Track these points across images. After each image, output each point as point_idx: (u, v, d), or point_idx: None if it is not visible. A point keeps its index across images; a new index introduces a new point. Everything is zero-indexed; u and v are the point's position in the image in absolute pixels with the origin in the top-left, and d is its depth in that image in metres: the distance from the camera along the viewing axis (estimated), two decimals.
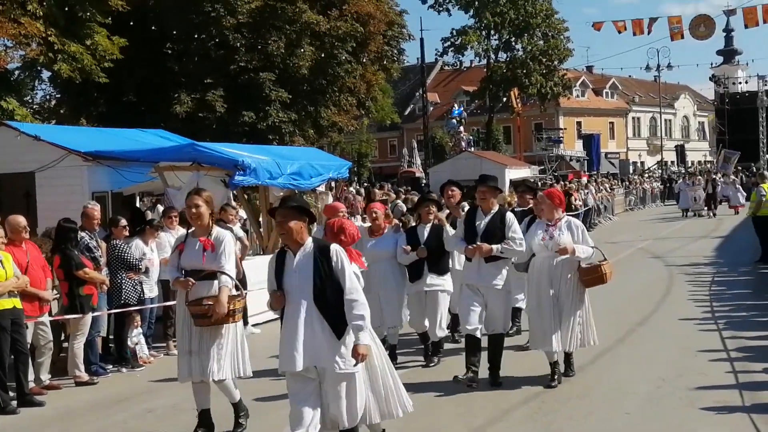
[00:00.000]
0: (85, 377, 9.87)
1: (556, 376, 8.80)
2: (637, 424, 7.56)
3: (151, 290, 11.26)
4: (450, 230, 9.77)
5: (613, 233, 28.27)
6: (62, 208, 11.59)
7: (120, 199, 14.58)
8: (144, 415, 8.51)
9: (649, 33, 43.36)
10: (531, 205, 10.71)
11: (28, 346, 9.18)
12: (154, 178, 13.80)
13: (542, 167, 46.05)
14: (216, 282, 7.30)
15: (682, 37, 43.55)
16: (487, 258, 8.75)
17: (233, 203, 13.79)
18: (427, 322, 9.93)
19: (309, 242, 6.14)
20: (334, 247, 6.15)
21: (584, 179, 39.65)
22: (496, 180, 9.29)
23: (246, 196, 17.42)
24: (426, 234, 9.81)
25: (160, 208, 16.39)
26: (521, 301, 10.67)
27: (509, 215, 9.00)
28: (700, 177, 39.95)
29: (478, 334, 8.81)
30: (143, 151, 14.13)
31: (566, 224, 8.87)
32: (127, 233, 11.08)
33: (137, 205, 16.57)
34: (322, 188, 16.44)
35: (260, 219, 16.06)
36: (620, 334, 11.30)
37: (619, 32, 43.32)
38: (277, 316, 6.40)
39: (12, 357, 8.83)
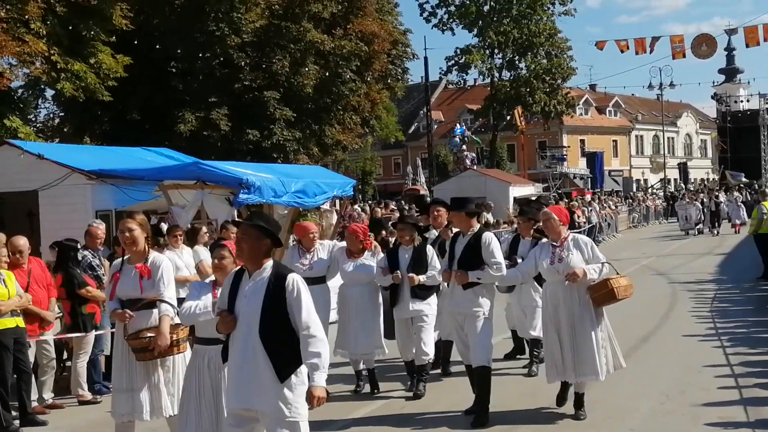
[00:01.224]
0: (88, 396, 9.84)
1: (565, 394, 8.59)
2: None
3: None
4: (430, 251, 9.35)
5: (617, 250, 28.22)
6: (65, 226, 11.60)
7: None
8: None
9: (651, 52, 43.52)
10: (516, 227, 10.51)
11: (31, 365, 9.18)
12: (158, 196, 13.79)
13: (546, 185, 46.09)
14: (156, 311, 6.86)
15: (684, 56, 43.63)
16: (464, 284, 8.32)
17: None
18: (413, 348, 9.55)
19: (268, 266, 5.41)
20: (292, 277, 5.36)
21: (588, 197, 39.66)
22: (472, 201, 8.77)
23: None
24: (408, 257, 9.31)
25: (164, 226, 16.37)
26: (538, 329, 9.63)
27: (485, 236, 8.38)
28: (702, 195, 39.86)
29: None
30: (147, 169, 14.15)
31: (573, 242, 8.20)
32: None
33: None
34: (326, 206, 16.45)
35: None
36: (624, 351, 11.08)
37: (622, 51, 43.46)
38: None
39: (15, 376, 8.80)
